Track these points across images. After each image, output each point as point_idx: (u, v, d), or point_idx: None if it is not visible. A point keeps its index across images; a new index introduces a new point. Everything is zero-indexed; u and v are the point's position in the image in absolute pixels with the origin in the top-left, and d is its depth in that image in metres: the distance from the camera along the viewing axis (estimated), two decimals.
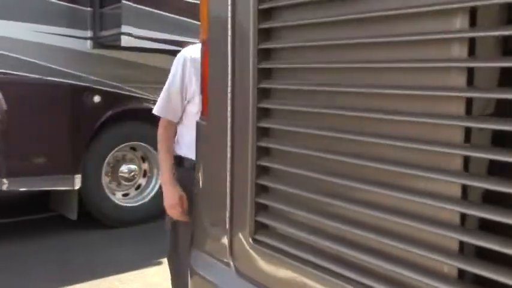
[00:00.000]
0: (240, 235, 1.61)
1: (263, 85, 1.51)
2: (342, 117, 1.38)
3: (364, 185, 1.32)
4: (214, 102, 1.69)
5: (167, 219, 2.62)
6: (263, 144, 1.53)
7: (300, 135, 1.47)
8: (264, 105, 1.52)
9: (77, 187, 5.47)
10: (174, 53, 5.71)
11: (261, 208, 1.56)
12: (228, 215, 1.63)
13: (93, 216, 5.73)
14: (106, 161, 5.78)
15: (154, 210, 5.99)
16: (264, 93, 1.52)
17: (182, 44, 5.70)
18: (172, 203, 2.48)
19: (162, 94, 2.59)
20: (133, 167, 6.04)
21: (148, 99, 5.85)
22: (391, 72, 1.26)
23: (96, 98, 5.55)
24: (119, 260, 4.85)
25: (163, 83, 5.82)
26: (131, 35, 5.17)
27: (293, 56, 1.48)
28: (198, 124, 1.82)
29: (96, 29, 5.46)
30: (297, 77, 1.48)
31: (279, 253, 1.50)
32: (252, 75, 1.52)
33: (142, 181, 6.11)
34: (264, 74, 1.52)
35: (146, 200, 6.01)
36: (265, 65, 1.51)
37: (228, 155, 1.61)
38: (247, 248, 1.58)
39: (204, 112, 1.76)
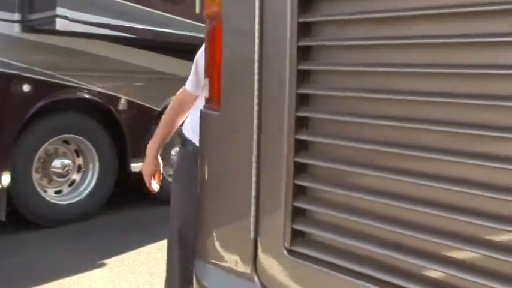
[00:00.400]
0: (270, 245, 1.36)
1: (303, 67, 1.26)
2: (402, 104, 1.16)
3: (432, 182, 1.12)
4: (232, 88, 1.42)
5: None
6: (302, 137, 1.28)
7: (347, 126, 1.24)
8: (305, 90, 1.27)
9: (5, 184, 4.98)
10: (113, 39, 5.43)
11: (299, 213, 1.31)
12: (252, 221, 1.38)
13: (23, 215, 5.25)
14: (37, 155, 5.31)
15: (91, 207, 5.60)
16: (304, 77, 1.27)
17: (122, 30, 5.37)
18: (148, 173, 2.57)
19: (192, 68, 2.44)
20: (66, 161, 5.58)
21: (83, 88, 5.42)
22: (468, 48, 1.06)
23: (26, 87, 5.06)
24: (58, 263, 4.45)
25: (101, 71, 5.53)
26: (67, 18, 4.73)
27: (341, 32, 1.24)
28: (204, 114, 1.55)
29: (25, 12, 4.97)
30: (346, 56, 1.24)
31: (322, 266, 1.27)
32: (290, 55, 1.26)
33: (76, 177, 5.67)
34: (305, 53, 1.27)
35: (82, 196, 5.57)
36: (306, 43, 1.26)
37: (254, 150, 1.35)
38: (280, 260, 1.34)
39: (214, 100, 1.49)
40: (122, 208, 5.96)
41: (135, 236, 5.12)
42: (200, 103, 2.36)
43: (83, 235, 5.18)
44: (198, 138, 2.33)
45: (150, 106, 5.79)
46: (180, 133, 2.69)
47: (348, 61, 1.24)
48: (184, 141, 2.46)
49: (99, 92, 5.53)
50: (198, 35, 5.91)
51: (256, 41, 1.32)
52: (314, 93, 1.27)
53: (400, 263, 1.18)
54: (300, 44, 1.25)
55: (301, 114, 1.27)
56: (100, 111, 5.62)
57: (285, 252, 1.32)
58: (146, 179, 2.58)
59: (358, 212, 1.24)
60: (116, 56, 5.58)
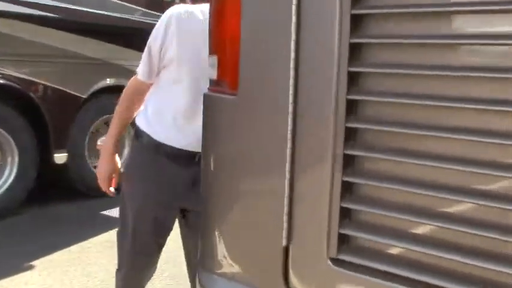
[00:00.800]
0: (307, 254, 1.14)
1: (357, 39, 1.05)
2: (475, 82, 0.98)
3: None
4: (256, 65, 1.18)
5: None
6: (354, 124, 1.07)
7: (408, 110, 1.04)
8: (358, 68, 1.05)
9: None
10: (34, 19, 4.94)
11: (346, 216, 1.10)
12: (285, 226, 1.15)
13: None
14: None
15: (10, 204, 5.10)
16: (356, 51, 1.06)
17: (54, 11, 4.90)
18: (104, 175, 2.21)
19: (144, 55, 2.13)
20: None
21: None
22: None
23: None
24: None
25: (20, 55, 5.02)
26: None
27: None
28: (212, 99, 1.30)
29: None
30: (407, 27, 1.04)
31: (376, 277, 1.07)
32: (340, 24, 1.04)
33: None
34: (359, 23, 1.05)
35: None
36: (361, 11, 1.04)
37: (289, 143, 1.12)
38: (322, 271, 1.12)
39: (226, 82, 1.24)
40: (44, 203, 5.50)
41: (62, 234, 4.71)
42: (156, 92, 2.13)
43: (2, 235, 4.70)
44: (155, 130, 2.10)
45: (75, 93, 5.35)
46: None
47: (410, 32, 1.03)
48: (138, 134, 2.17)
49: (18, 78, 5.02)
50: (128, 17, 5.56)
51: (294, 6, 1.08)
52: (369, 72, 1.06)
53: (470, 270, 1.01)
54: (354, 11, 1.03)
55: (353, 96, 1.06)
56: (19, 99, 5.11)
57: (328, 262, 1.11)
58: (103, 181, 2.22)
59: (417, 212, 1.04)
60: (37, 38, 5.08)
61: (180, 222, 2.28)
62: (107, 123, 5.55)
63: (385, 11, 1.02)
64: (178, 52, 1.98)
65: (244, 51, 1.18)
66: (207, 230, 1.32)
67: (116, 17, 5.43)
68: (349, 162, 1.08)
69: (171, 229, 2.25)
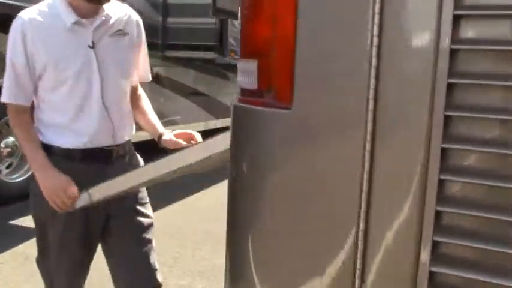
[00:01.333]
0: None
1: (460, 45, 0.88)
2: None
3: None
4: (318, 76, 0.98)
5: None
6: (453, 145, 0.90)
7: None
8: (459, 79, 0.89)
9: None
10: None
11: (438, 251, 0.94)
12: (358, 266, 0.96)
13: None
14: None
15: None
16: (455, 58, 0.89)
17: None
18: (60, 185, 1.91)
19: (7, 75, 1.92)
20: None
21: None
22: None
23: None
24: None
25: None
26: None
27: None
28: (249, 113, 1.07)
29: None
30: None
31: None
32: (438, 26, 0.87)
33: None
34: (460, 25, 0.88)
35: None
36: (464, 11, 0.88)
37: (366, 165, 0.93)
38: None
39: (273, 92, 1.03)
40: None
41: None
42: (42, 102, 1.92)
43: None
44: (61, 142, 1.86)
45: None
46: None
47: None
48: (46, 149, 1.93)
49: None
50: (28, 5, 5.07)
51: (377, 4, 0.90)
52: (471, 84, 0.90)
53: None
54: (457, 12, 0.86)
55: (453, 113, 0.89)
56: None
57: None
58: (62, 194, 1.90)
59: None
60: None
61: (103, 248, 2.04)
62: (8, 124, 5.06)
63: (493, 12, 0.86)
64: (50, 55, 1.83)
65: (301, 55, 0.98)
66: (245, 273, 1.09)
67: (14, 5, 4.93)
68: (445, 187, 0.92)
69: (98, 242, 2.04)
